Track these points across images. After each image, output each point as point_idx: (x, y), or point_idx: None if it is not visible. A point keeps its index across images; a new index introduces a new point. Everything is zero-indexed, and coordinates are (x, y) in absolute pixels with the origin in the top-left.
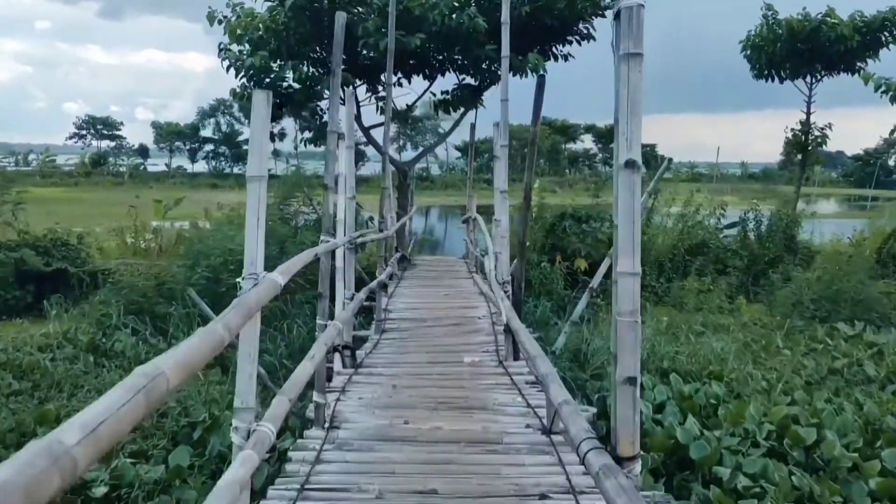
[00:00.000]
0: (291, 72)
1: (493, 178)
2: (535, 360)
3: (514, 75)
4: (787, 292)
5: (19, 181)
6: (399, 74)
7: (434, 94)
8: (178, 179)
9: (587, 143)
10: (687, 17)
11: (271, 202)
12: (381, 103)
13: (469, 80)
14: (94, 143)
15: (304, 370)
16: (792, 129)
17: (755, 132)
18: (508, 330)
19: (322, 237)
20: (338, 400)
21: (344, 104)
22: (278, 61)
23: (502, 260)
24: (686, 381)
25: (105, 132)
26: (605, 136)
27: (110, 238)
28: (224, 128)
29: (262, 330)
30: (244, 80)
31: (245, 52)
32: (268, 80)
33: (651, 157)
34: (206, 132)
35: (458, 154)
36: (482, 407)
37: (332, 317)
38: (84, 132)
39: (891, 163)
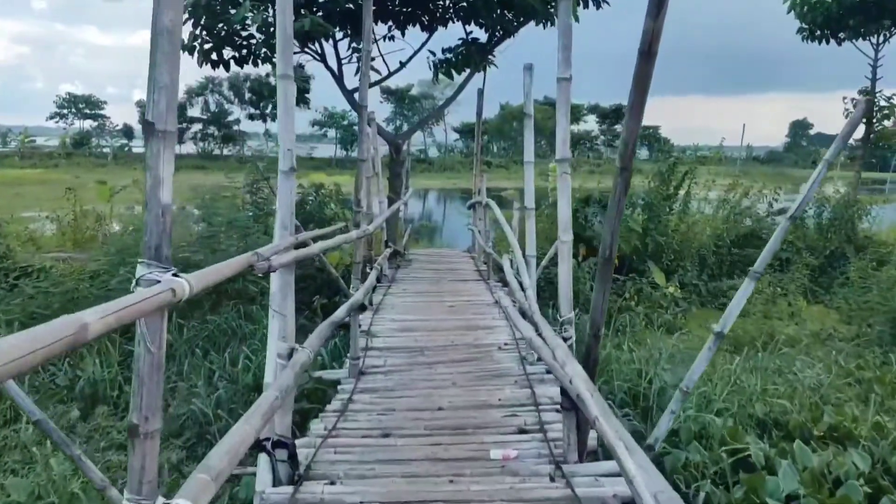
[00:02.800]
0: (250, 15)
1: (492, 160)
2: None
3: (536, 24)
4: (858, 293)
5: None
6: (390, 24)
7: (433, 53)
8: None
9: (590, 123)
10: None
11: (239, 185)
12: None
13: (476, 33)
14: (77, 122)
15: None
16: (853, 100)
17: (757, 115)
18: (569, 407)
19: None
20: None
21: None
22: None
23: (563, 279)
24: (802, 440)
25: (87, 111)
26: (610, 116)
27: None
28: (213, 107)
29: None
30: (191, 22)
31: None
32: (222, 26)
33: (654, 139)
34: (194, 111)
35: (457, 136)
36: None
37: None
38: (65, 111)
39: None
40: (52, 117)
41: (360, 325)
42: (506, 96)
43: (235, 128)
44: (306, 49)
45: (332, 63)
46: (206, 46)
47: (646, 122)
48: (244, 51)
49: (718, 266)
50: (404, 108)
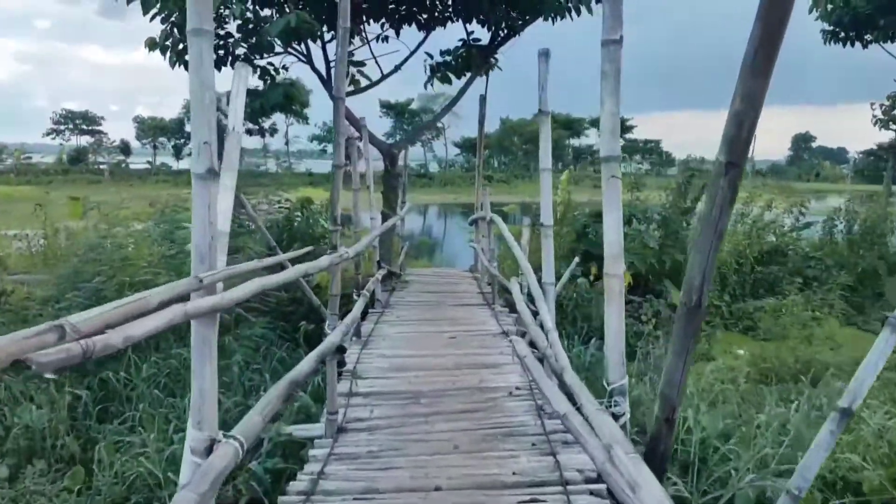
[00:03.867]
0: (225, 8)
1: (493, 174)
2: None
3: (545, 19)
4: None
5: None
6: (384, 23)
7: (430, 56)
8: (161, 177)
9: (592, 137)
10: (687, 14)
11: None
12: (355, 69)
13: (477, 33)
14: (74, 139)
15: None
16: (882, 105)
17: (762, 128)
18: None
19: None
20: None
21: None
22: None
23: (613, 329)
24: None
25: (84, 127)
26: None
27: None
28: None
29: None
30: (159, 18)
31: None
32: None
33: (656, 152)
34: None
35: (458, 150)
36: None
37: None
38: (62, 127)
39: None
40: (48, 134)
41: (343, 365)
42: (506, 110)
43: None
44: (290, 49)
45: (321, 66)
46: (180, 46)
47: (646, 135)
48: (221, 51)
49: (741, 285)
50: (404, 122)
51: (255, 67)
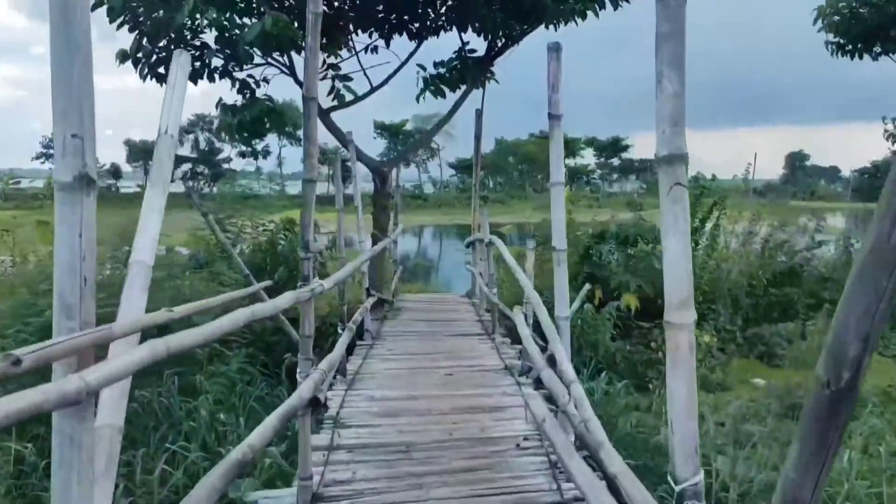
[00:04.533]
0: (200, 16)
1: (489, 195)
2: None
3: (546, 27)
4: None
5: None
6: (372, 32)
7: (422, 68)
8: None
9: (587, 157)
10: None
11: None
12: (340, 84)
13: (472, 42)
14: None
15: None
16: (894, 119)
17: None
18: None
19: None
20: None
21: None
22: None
23: (679, 407)
24: None
25: None
26: (607, 149)
27: None
28: (202, 145)
29: None
30: (127, 25)
31: None
32: (167, 33)
33: (651, 171)
34: (184, 150)
35: (453, 171)
36: None
37: None
38: (51, 151)
39: None
40: (37, 157)
41: (325, 410)
42: (500, 129)
43: (226, 166)
44: (270, 59)
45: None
46: (152, 59)
47: (641, 155)
48: (197, 63)
49: (754, 309)
50: (398, 143)
51: (233, 80)
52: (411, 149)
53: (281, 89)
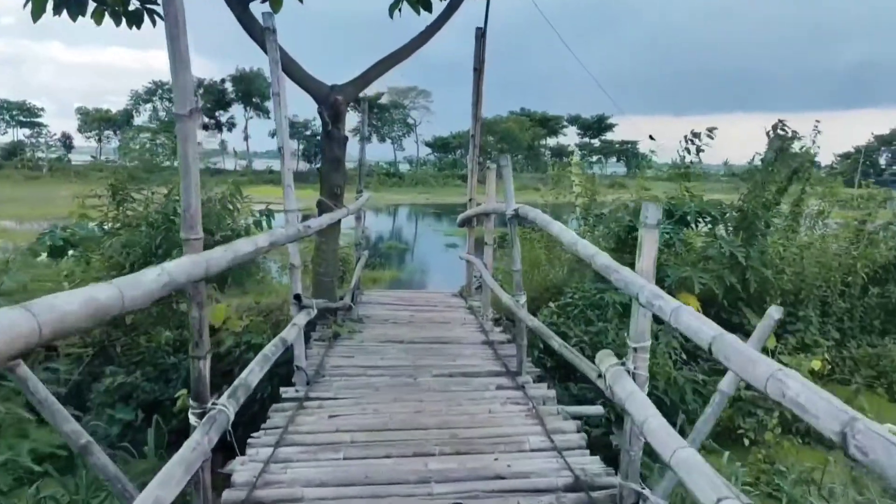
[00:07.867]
0: None
1: (467, 175)
2: None
3: None
4: None
5: None
6: None
7: None
8: (105, 174)
9: (570, 136)
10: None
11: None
12: None
13: None
14: (10, 131)
15: None
16: None
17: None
18: None
19: None
20: None
21: None
22: None
23: None
24: None
25: (23, 119)
26: (592, 128)
27: None
28: (162, 114)
29: None
30: None
31: None
32: None
33: (632, 154)
34: (141, 119)
35: (429, 150)
36: None
37: None
38: None
39: (882, 161)
40: None
41: None
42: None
43: None
44: None
45: None
46: None
47: (623, 136)
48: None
49: (849, 315)
50: (373, 118)
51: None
52: (381, 65)
53: (251, 58)
